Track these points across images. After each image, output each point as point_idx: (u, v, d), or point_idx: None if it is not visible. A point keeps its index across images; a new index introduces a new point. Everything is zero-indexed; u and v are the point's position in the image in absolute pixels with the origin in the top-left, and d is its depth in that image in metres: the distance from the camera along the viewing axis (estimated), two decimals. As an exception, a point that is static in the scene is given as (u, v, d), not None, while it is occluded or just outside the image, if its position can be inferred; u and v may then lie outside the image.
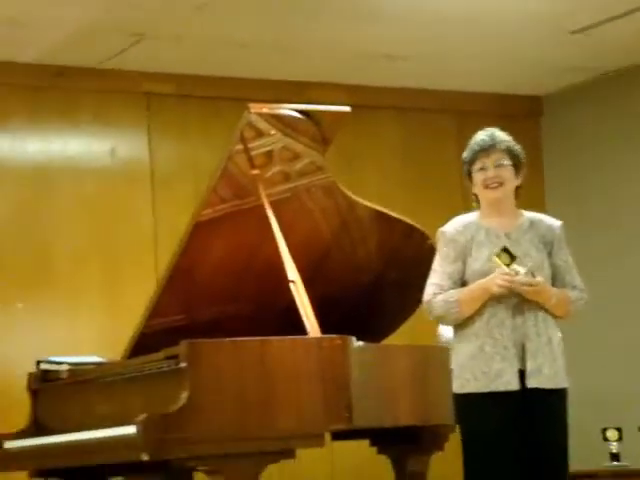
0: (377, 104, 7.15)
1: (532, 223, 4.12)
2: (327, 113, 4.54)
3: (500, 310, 3.97)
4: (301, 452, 4.04)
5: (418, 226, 4.87)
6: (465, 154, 4.18)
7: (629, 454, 6.01)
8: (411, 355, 4.40)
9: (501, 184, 4.08)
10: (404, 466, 4.69)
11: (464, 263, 4.07)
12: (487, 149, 4.11)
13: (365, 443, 4.87)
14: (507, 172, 4.10)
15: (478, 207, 4.18)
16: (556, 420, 4.01)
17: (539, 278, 3.97)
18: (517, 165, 4.14)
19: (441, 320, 4.17)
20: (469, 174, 4.16)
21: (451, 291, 4.04)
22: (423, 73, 6.94)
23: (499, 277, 3.92)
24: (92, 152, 6.54)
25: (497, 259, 3.96)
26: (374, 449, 4.85)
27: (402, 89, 7.19)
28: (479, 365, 3.96)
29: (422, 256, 4.77)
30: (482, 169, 4.09)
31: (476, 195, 4.18)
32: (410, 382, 4.34)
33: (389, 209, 4.90)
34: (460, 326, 4.07)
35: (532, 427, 3.95)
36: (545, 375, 3.95)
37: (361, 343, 4.09)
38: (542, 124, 7.61)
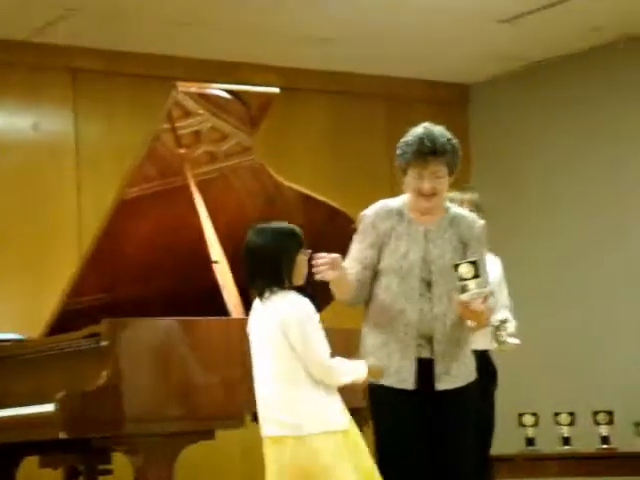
0: (307, 87, 7.14)
1: (453, 220, 4.03)
2: (256, 94, 4.53)
3: (409, 308, 3.90)
4: (221, 432, 4.05)
5: (343, 209, 4.88)
6: (402, 151, 3.96)
7: (544, 439, 6.10)
8: (334, 338, 4.41)
9: (435, 195, 3.94)
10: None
11: (380, 250, 3.97)
12: (426, 159, 3.91)
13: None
14: (443, 184, 3.95)
15: (406, 190, 4.04)
16: (462, 419, 3.95)
17: (485, 305, 3.83)
18: (453, 169, 3.99)
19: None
20: (403, 169, 3.97)
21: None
22: (354, 57, 6.95)
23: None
24: (15, 127, 6.44)
25: (459, 268, 3.78)
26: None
27: (333, 72, 7.19)
28: (381, 358, 3.90)
29: (347, 239, 4.79)
30: (418, 178, 3.93)
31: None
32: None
33: (316, 192, 4.91)
34: (369, 316, 4.00)
35: (435, 426, 3.90)
36: (453, 376, 3.94)
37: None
38: (469, 111, 7.68)
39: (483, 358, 4.72)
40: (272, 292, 3.61)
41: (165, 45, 6.56)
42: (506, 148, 7.48)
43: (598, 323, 6.81)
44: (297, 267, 3.64)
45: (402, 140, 3.97)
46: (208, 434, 3.96)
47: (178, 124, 4.39)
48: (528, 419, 6.11)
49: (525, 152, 7.38)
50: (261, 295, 3.62)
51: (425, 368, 3.90)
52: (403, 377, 3.89)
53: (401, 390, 3.89)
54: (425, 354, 3.91)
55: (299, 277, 3.65)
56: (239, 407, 3.93)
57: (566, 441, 6.06)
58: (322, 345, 3.62)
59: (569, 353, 6.90)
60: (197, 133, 4.47)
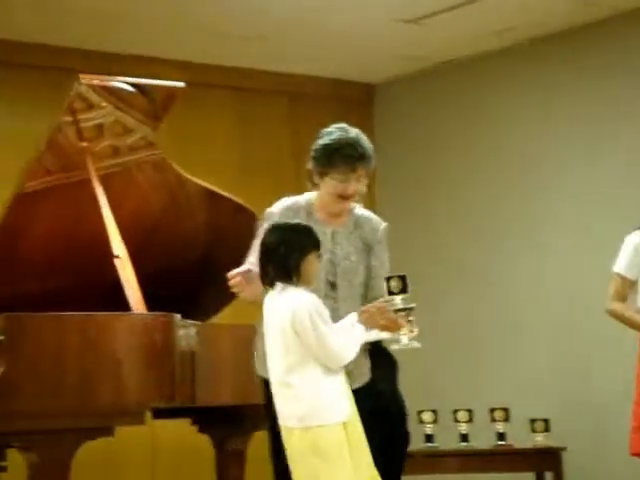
0: (212, 82, 7.11)
1: (358, 222, 4.04)
2: (160, 88, 4.49)
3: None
4: (122, 430, 4.01)
5: (246, 205, 4.88)
6: (326, 154, 3.91)
7: (443, 436, 6.17)
8: (234, 334, 4.41)
9: (354, 197, 3.96)
10: (224, 445, 4.70)
11: None
12: (355, 164, 3.89)
13: (186, 422, 4.86)
14: (364, 187, 3.96)
15: (312, 186, 4.01)
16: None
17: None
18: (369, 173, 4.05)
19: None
20: (323, 172, 3.92)
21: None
22: (259, 54, 6.94)
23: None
24: None
25: (387, 283, 3.77)
26: (195, 428, 4.85)
27: (237, 69, 7.17)
28: None
29: (250, 236, 4.79)
30: (343, 181, 3.90)
31: (311, 174, 3.98)
32: (232, 362, 4.35)
33: (220, 188, 4.89)
34: None
35: None
36: (363, 374, 3.94)
37: (186, 321, 4.08)
38: (374, 111, 7.73)
39: (376, 348, 4.73)
40: (282, 287, 3.67)
41: (68, 36, 6.47)
42: (410, 147, 7.54)
43: (496, 322, 6.91)
44: (307, 266, 3.69)
45: (323, 142, 3.92)
46: (106, 431, 3.92)
47: (80, 117, 4.33)
48: (427, 416, 6.17)
49: (429, 151, 7.45)
50: (272, 288, 3.68)
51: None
52: None
53: None
54: None
55: (308, 277, 3.70)
56: (138, 403, 3.90)
57: (464, 438, 6.14)
58: (331, 336, 3.66)
59: (467, 351, 6.99)
60: (100, 126, 4.42)
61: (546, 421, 6.09)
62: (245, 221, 4.77)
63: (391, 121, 7.60)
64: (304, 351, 3.65)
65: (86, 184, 4.38)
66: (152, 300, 4.15)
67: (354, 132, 3.96)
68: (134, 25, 6.35)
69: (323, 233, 3.95)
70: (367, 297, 3.92)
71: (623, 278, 4.73)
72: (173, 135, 5.72)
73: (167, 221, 4.76)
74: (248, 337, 4.38)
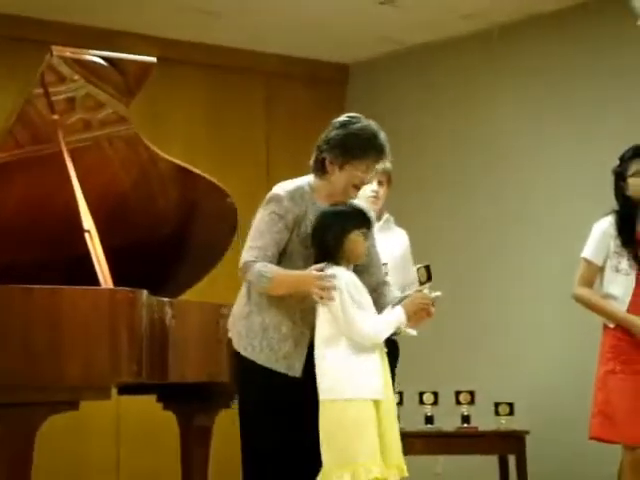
0: (186, 59, 7.09)
1: None
2: (133, 63, 4.47)
3: (310, 297, 3.85)
4: (87, 405, 4.00)
5: (218, 183, 4.87)
6: (354, 141, 3.90)
7: (408, 417, 6.20)
8: (202, 312, 4.41)
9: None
10: (189, 423, 4.70)
11: (291, 234, 3.92)
12: (381, 156, 3.97)
13: (152, 398, 4.86)
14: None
15: (319, 174, 3.98)
16: None
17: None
18: None
19: (249, 284, 3.95)
20: (343, 158, 3.92)
21: (270, 266, 3.86)
22: (234, 31, 6.92)
23: (317, 284, 3.78)
24: None
25: (417, 271, 3.95)
26: (160, 405, 4.85)
27: (212, 46, 7.15)
28: (269, 340, 3.89)
29: (222, 213, 4.79)
30: (364, 172, 3.93)
31: (324, 163, 3.96)
32: (200, 339, 4.35)
33: (192, 165, 4.88)
34: (261, 296, 3.92)
35: (313, 417, 3.86)
36: None
37: (154, 297, 4.07)
38: (348, 91, 7.72)
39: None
40: (326, 266, 3.86)
41: (41, 9, 6.43)
42: (383, 128, 7.52)
43: (462, 305, 6.94)
44: (349, 245, 3.88)
45: (349, 132, 3.91)
46: (71, 405, 3.91)
47: (52, 89, 4.30)
48: (428, 398, 6.21)
49: (401, 133, 7.45)
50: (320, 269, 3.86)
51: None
52: (291, 363, 3.88)
53: (284, 375, 3.88)
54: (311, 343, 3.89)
55: (353, 255, 3.90)
56: (103, 378, 3.89)
57: (429, 420, 6.18)
58: (358, 314, 3.81)
59: (433, 335, 7.01)
60: (71, 100, 4.39)
61: (510, 405, 6.14)
62: (218, 199, 4.78)
63: (365, 102, 7.60)
64: (337, 326, 3.81)
65: (57, 157, 4.35)
66: (121, 275, 4.14)
67: (373, 123, 4.00)
68: (109, 1, 6.32)
69: None
70: (365, 283, 3.94)
71: (590, 263, 4.76)
72: (145, 111, 5.69)
73: (138, 197, 4.74)
74: (217, 314, 4.41)
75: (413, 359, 7.06)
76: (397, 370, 4.70)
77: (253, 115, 7.39)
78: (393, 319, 3.87)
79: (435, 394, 6.21)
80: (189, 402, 4.66)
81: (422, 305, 3.89)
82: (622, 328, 4.66)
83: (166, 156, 4.74)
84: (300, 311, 3.91)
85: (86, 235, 4.20)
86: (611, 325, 4.71)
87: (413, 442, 6.01)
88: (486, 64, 7.02)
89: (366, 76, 7.64)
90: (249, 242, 3.91)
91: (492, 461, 6.21)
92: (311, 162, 4.02)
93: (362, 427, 3.73)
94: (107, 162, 4.62)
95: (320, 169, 3.97)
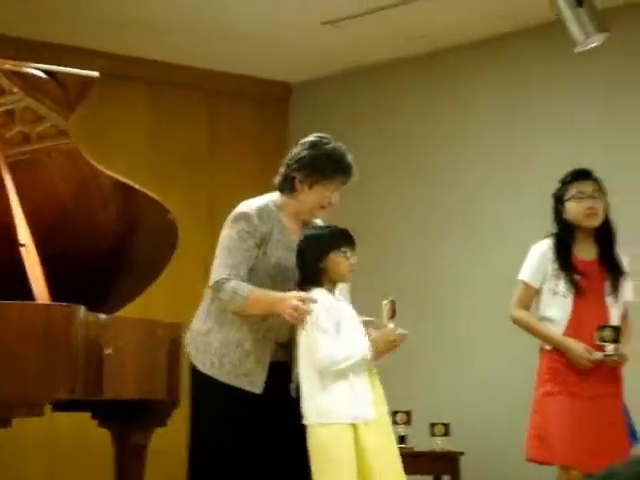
0: (129, 74, 7.06)
1: None
2: (74, 76, 4.43)
3: (274, 315, 3.91)
4: (22, 423, 3.95)
5: (159, 199, 4.84)
6: (325, 162, 4.00)
7: (416, 437, 6.19)
8: (141, 328, 4.38)
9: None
10: (124, 440, 4.66)
11: (258, 252, 3.97)
12: (350, 176, 4.08)
13: (86, 416, 4.81)
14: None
15: (287, 192, 4.03)
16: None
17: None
18: None
19: (222, 305, 3.97)
20: (314, 178, 3.99)
21: (244, 285, 3.88)
22: (177, 47, 6.90)
23: (291, 306, 3.81)
24: None
25: (383, 306, 4.04)
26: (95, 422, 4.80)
27: (155, 61, 7.12)
28: (231, 357, 3.92)
29: (162, 229, 4.77)
30: (333, 191, 4.03)
31: (293, 182, 4.00)
32: (137, 356, 4.31)
33: (134, 181, 4.85)
34: (223, 313, 3.97)
35: (273, 433, 3.95)
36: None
37: (91, 313, 4.03)
38: (290, 110, 7.74)
39: None
40: (303, 289, 3.92)
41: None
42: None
43: (399, 325, 6.94)
44: (330, 266, 3.95)
45: (320, 153, 4.00)
46: (4, 422, 3.85)
47: (-9, 102, 4.26)
48: (401, 417, 6.21)
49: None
50: (302, 291, 3.93)
51: (276, 372, 3.94)
52: (253, 379, 3.91)
53: (245, 391, 3.91)
54: (280, 357, 3.97)
55: (335, 276, 3.98)
56: (37, 395, 3.84)
57: (366, 440, 6.17)
58: (318, 340, 3.85)
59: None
60: (10, 112, 4.35)
61: (446, 425, 6.16)
62: (159, 215, 4.75)
63: (308, 121, 7.61)
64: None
65: (-6, 170, 4.31)
66: (59, 290, 4.10)
67: (342, 144, 4.12)
68: (45, 11, 6.27)
69: (289, 240, 4.00)
70: None
71: (527, 286, 4.81)
72: (86, 126, 5.64)
73: (78, 211, 4.70)
74: (156, 331, 4.38)
75: (385, 380, 7.07)
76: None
77: (196, 132, 7.37)
78: (358, 353, 3.90)
79: (408, 413, 6.21)
80: (124, 419, 4.62)
81: (392, 344, 3.99)
82: (559, 350, 4.70)
83: (107, 171, 4.71)
84: (264, 329, 3.94)
85: (22, 249, 4.16)
86: (548, 347, 4.75)
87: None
88: (429, 85, 7.07)
89: (309, 95, 7.66)
90: (219, 260, 3.93)
91: (428, 481, 6.23)
92: (277, 180, 4.06)
93: (335, 452, 3.78)
94: (46, 176, 4.57)
95: (289, 187, 4.00)
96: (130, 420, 4.60)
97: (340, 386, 3.86)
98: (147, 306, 5.06)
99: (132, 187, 4.81)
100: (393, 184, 7.20)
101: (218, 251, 3.97)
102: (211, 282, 3.96)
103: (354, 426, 3.82)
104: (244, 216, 3.98)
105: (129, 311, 4.92)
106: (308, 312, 3.83)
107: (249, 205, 4.04)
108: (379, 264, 7.05)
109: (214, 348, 3.94)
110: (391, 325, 4.02)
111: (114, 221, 4.79)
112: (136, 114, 7.18)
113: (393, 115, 7.23)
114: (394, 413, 6.20)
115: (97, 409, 4.72)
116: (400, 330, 4.02)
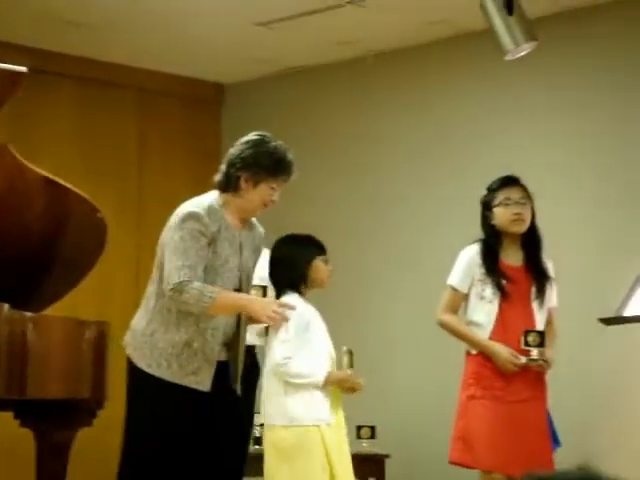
0: (58, 71, 6.98)
1: (251, 227, 4.21)
2: (1, 71, 4.38)
3: (220, 316, 3.99)
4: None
5: (88, 198, 4.81)
6: (269, 160, 4.07)
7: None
8: (66, 327, 4.33)
9: None
10: (47, 440, 4.60)
11: (209, 251, 3.99)
12: (291, 174, 4.17)
13: (8, 415, 4.75)
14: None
15: (230, 191, 4.06)
16: (250, 420, 4.23)
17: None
18: None
19: (182, 306, 3.93)
20: (258, 176, 4.06)
21: (209, 286, 3.89)
22: (107, 45, 6.83)
23: (270, 311, 3.96)
24: None
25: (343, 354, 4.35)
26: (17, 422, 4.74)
27: (84, 59, 7.04)
28: (179, 357, 3.94)
29: (91, 228, 4.72)
30: (276, 189, 4.11)
31: (237, 180, 4.05)
32: (62, 355, 4.27)
33: (61, 178, 4.81)
34: (170, 313, 3.98)
35: (218, 429, 4.03)
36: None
37: (15, 311, 3.99)
38: (223, 111, 7.72)
39: (249, 354, 4.83)
40: (283, 293, 4.19)
41: None
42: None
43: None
44: (312, 273, 4.25)
45: (264, 151, 4.07)
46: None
47: None
48: (257, 419, 6.18)
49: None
50: (278, 297, 4.20)
51: (219, 371, 4.02)
52: (200, 379, 3.95)
53: (192, 390, 3.95)
54: (224, 357, 4.04)
55: (316, 283, 4.29)
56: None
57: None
58: (280, 347, 4.13)
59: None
60: None
61: (372, 428, 6.18)
62: (87, 213, 4.71)
63: (240, 122, 7.59)
64: None
65: None
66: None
67: (283, 143, 4.21)
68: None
69: (233, 238, 4.04)
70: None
71: (455, 291, 4.85)
72: (14, 122, 5.59)
73: (3, 208, 4.64)
74: (81, 330, 4.34)
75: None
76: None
77: (125, 131, 7.31)
78: (310, 378, 4.18)
79: None
80: (48, 419, 4.57)
81: (346, 389, 4.32)
82: (484, 355, 4.75)
83: (35, 168, 4.66)
84: (211, 329, 3.97)
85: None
86: (473, 351, 4.80)
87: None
88: (361, 90, 7.10)
89: (242, 96, 7.64)
90: (175, 262, 3.90)
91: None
92: (218, 179, 4.08)
93: (295, 453, 4.06)
94: (-29, 172, 4.51)
95: (233, 186, 4.04)
96: (54, 420, 4.55)
97: (307, 389, 4.13)
98: (74, 305, 5.02)
99: (61, 185, 4.76)
100: (324, 185, 7.21)
101: (170, 253, 3.93)
102: (170, 285, 3.90)
103: (319, 428, 4.09)
104: (194, 215, 3.96)
105: (56, 310, 4.88)
106: (286, 319, 4.02)
107: (196, 204, 4.03)
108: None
109: (159, 349, 3.95)
110: (349, 372, 4.29)
111: (42, 219, 4.74)
112: (64, 112, 7.10)
113: (324, 118, 7.25)
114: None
115: (20, 408, 4.67)
116: (360, 380, 4.31)
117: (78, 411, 4.49)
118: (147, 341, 3.97)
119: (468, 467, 4.72)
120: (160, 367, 3.95)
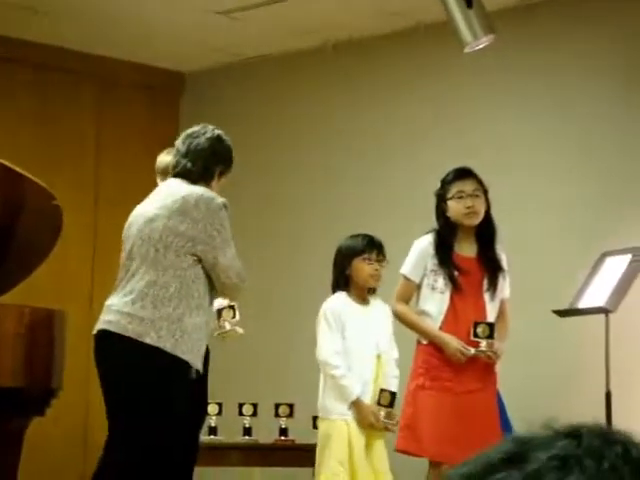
0: (15, 57, 6.93)
1: None
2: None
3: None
4: None
5: (44, 185, 4.79)
6: (231, 156, 4.39)
7: (226, 429, 6.19)
8: (20, 316, 4.32)
9: None
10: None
11: None
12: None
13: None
14: None
15: (201, 182, 4.27)
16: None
17: None
18: None
19: (240, 293, 4.38)
20: (227, 169, 4.36)
21: None
22: (64, 32, 6.78)
23: None
24: None
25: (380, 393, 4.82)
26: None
27: (43, 45, 6.99)
28: (200, 338, 4.17)
29: (47, 215, 4.71)
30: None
31: (214, 172, 4.34)
32: (16, 344, 4.26)
33: (18, 166, 4.79)
34: (192, 297, 4.16)
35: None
36: None
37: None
38: (182, 100, 7.69)
39: None
40: (332, 293, 4.75)
41: None
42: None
43: (282, 318, 6.99)
44: (352, 273, 4.67)
45: (224, 145, 4.36)
46: None
47: None
48: (212, 409, 6.17)
49: (236, 147, 7.47)
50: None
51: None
52: (200, 360, 4.24)
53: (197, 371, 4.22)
54: None
55: (360, 281, 4.71)
56: None
57: (247, 431, 6.17)
58: (326, 343, 4.68)
59: (254, 346, 7.04)
60: None
61: (291, 406, 6.18)
62: (43, 200, 4.70)
63: (200, 112, 7.57)
64: None
65: None
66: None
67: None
68: None
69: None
70: None
71: (408, 280, 4.87)
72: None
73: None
74: (34, 318, 4.32)
75: (234, 370, 7.08)
76: (215, 380, 4.82)
77: (82, 118, 7.27)
78: (349, 390, 4.67)
79: (255, 406, 6.20)
80: (1, 407, 4.56)
81: (372, 426, 4.69)
82: (434, 345, 4.78)
83: (-10, 155, 4.64)
84: (209, 314, 4.35)
85: None
86: (424, 341, 4.82)
87: (230, 454, 6.02)
88: (321, 79, 7.11)
89: (202, 86, 7.62)
90: (232, 252, 4.21)
91: (308, 473, 6.25)
92: (195, 169, 4.26)
93: (326, 443, 4.62)
94: None
95: (210, 178, 4.28)
96: (5, 409, 4.54)
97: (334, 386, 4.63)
98: (29, 292, 5.00)
99: (16, 172, 4.74)
100: (284, 174, 7.22)
101: (222, 240, 4.17)
102: (242, 275, 4.25)
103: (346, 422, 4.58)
104: (224, 204, 4.23)
105: (10, 297, 4.86)
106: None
107: (214, 193, 4.27)
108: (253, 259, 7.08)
109: (188, 333, 4.11)
110: (377, 410, 4.75)
111: (-5, 209, 4.72)
112: (21, 98, 7.05)
113: (285, 107, 7.25)
114: (277, 406, 6.22)
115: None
116: (394, 421, 4.74)
117: (30, 400, 4.49)
118: (178, 327, 4.11)
119: (414, 455, 4.76)
120: (192, 352, 4.12)
